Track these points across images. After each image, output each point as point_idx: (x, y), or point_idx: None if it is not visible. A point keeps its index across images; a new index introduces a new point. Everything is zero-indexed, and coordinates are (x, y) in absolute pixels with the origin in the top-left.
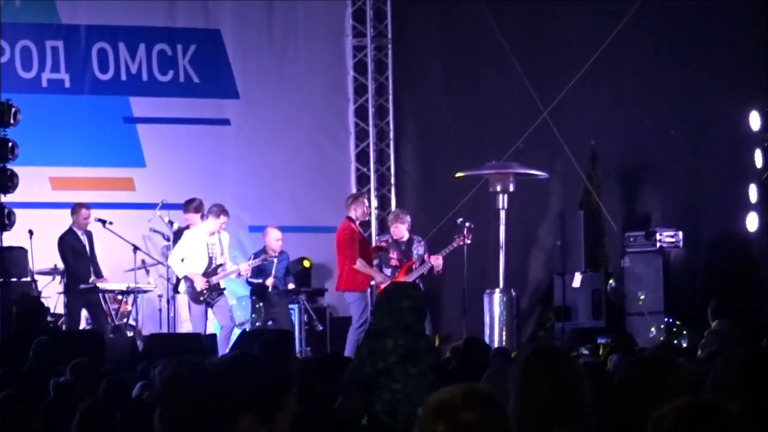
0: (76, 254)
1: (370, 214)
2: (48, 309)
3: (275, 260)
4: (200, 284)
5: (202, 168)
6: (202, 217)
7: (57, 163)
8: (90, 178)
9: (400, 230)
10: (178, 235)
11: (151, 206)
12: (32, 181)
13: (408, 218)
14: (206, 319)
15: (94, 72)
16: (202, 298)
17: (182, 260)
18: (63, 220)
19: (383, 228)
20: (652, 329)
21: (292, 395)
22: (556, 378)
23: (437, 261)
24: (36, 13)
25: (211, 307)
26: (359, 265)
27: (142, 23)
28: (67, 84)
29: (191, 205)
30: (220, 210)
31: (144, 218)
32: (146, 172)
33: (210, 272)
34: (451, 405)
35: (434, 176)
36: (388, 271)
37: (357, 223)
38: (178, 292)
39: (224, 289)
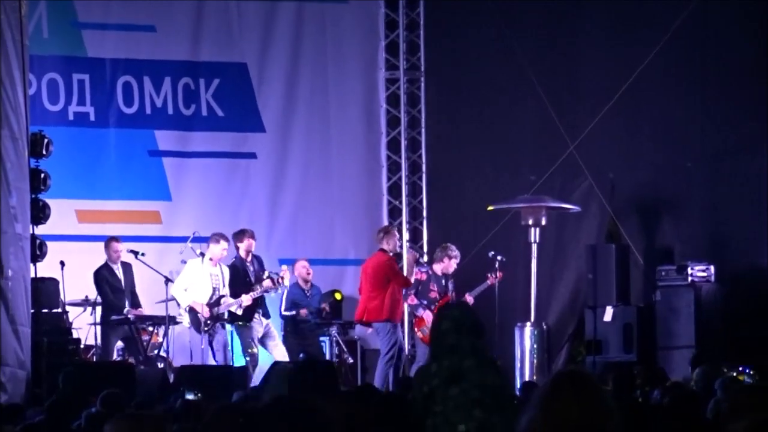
0: (111, 288)
1: (401, 247)
2: (78, 340)
3: (286, 290)
4: (204, 314)
5: (229, 201)
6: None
7: (83, 196)
8: (116, 211)
9: (450, 266)
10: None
11: (176, 239)
12: (59, 213)
13: (459, 256)
14: (212, 349)
15: (119, 105)
16: (206, 329)
17: (185, 290)
18: (89, 253)
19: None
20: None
21: None
22: (584, 402)
23: (469, 301)
24: (63, 46)
25: (212, 339)
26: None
27: (168, 57)
28: (93, 117)
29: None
30: (220, 236)
31: (170, 251)
32: (172, 206)
33: (213, 303)
34: None
35: (465, 209)
36: (425, 303)
37: (391, 255)
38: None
39: (227, 320)
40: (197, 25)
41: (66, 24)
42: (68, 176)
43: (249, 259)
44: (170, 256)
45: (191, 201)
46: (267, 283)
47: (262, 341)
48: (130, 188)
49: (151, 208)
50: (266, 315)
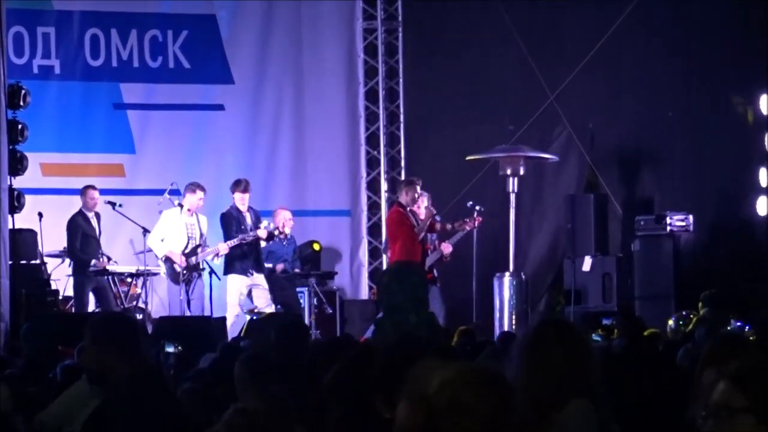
0: (85, 236)
1: (416, 200)
2: (57, 291)
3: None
4: (180, 264)
5: (195, 153)
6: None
7: (48, 149)
8: (80, 164)
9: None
10: None
11: (139, 192)
12: None
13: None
14: (188, 299)
15: (86, 58)
16: (181, 279)
17: (161, 240)
18: (54, 206)
19: None
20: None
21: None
22: (568, 349)
23: (447, 249)
24: None
25: (189, 289)
26: None
27: (136, 9)
28: (58, 70)
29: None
30: (196, 186)
31: (133, 204)
32: (136, 159)
33: (189, 252)
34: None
35: (444, 159)
36: None
37: (407, 209)
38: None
39: (203, 269)
40: None
41: None
42: (33, 129)
43: (245, 209)
44: (134, 208)
45: (155, 154)
46: (260, 232)
47: (250, 291)
48: (95, 141)
49: (115, 161)
50: (258, 269)
